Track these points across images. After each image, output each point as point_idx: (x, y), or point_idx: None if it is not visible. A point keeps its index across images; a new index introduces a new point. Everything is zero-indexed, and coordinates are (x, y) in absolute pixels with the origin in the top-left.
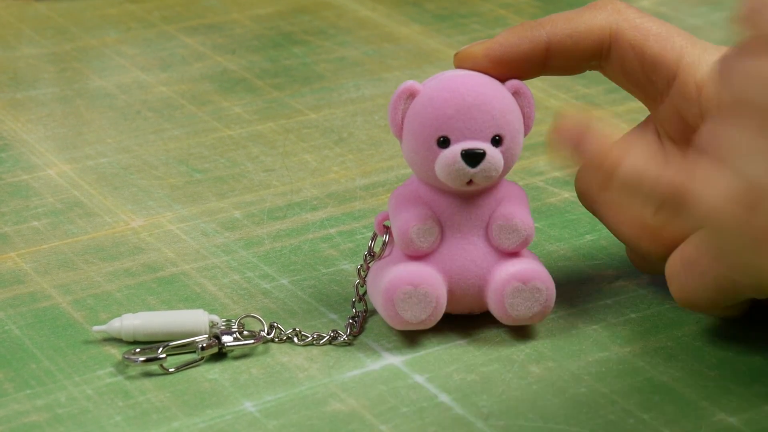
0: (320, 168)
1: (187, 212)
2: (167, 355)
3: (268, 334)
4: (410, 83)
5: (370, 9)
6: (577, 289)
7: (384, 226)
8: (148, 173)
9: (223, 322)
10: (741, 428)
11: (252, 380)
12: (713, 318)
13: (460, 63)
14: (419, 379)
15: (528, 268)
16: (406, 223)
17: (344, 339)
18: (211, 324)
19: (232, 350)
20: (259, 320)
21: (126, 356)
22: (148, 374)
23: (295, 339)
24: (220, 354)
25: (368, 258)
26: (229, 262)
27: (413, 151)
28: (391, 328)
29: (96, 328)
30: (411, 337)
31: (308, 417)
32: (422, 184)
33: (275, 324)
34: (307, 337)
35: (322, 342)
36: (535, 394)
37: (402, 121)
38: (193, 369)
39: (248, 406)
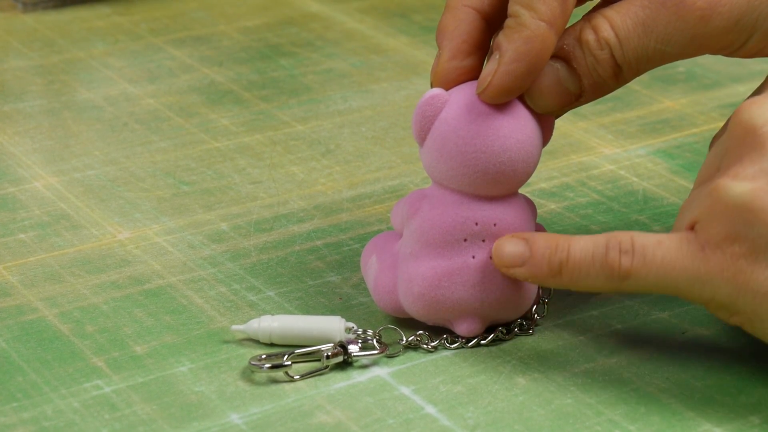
0: (307, 180)
1: (174, 224)
2: (293, 363)
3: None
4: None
5: (357, 21)
6: (563, 301)
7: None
8: (135, 185)
9: (360, 331)
10: None
11: (238, 392)
12: (699, 329)
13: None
14: (405, 390)
15: None
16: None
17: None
18: (347, 330)
19: (358, 360)
20: (397, 331)
21: (252, 362)
22: (135, 387)
23: (426, 346)
24: (345, 363)
25: None
26: (215, 274)
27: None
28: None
29: (234, 327)
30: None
31: (295, 429)
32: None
33: (425, 332)
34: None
35: (470, 344)
36: (522, 405)
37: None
38: (179, 381)
39: (234, 418)
